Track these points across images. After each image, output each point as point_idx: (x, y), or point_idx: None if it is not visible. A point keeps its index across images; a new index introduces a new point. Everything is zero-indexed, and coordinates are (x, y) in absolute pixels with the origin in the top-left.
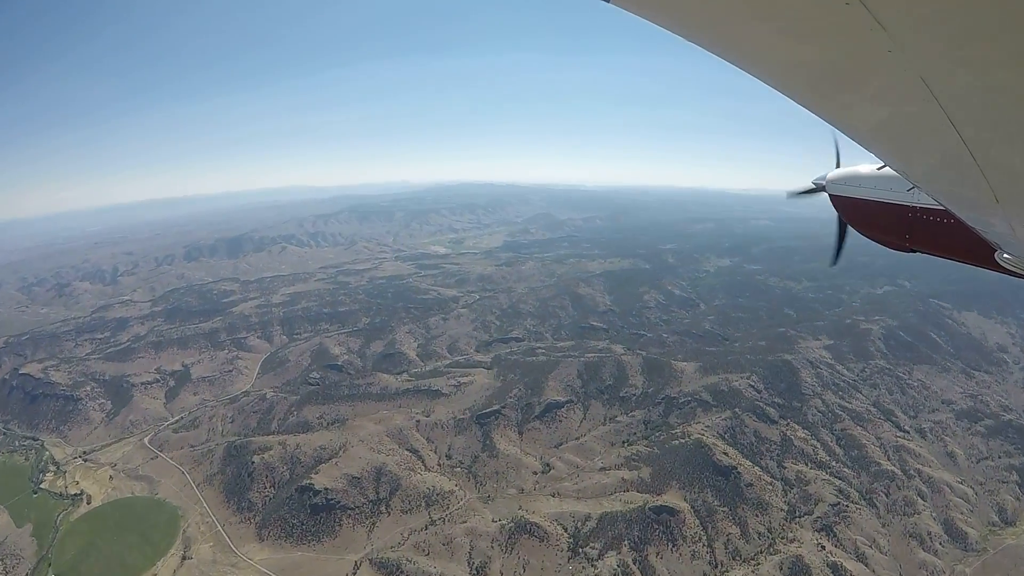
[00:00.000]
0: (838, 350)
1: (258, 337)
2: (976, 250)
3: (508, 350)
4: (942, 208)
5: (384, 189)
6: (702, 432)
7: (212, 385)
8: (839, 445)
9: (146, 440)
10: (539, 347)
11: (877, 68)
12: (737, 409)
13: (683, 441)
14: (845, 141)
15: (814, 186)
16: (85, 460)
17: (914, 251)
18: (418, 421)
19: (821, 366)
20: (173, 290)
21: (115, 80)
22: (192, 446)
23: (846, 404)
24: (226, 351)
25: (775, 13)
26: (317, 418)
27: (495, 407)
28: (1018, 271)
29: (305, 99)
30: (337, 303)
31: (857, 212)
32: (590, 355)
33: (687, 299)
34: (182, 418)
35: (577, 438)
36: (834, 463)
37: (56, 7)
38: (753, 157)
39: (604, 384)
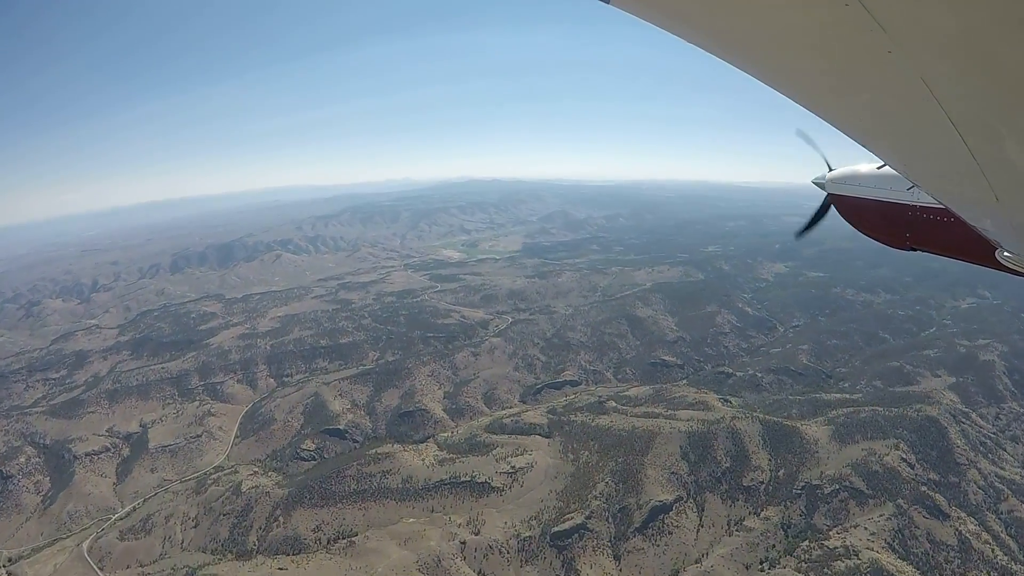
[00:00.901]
0: (965, 390)
1: (237, 381)
2: (976, 248)
3: (565, 400)
4: (942, 207)
5: (386, 188)
6: (868, 542)
7: (174, 457)
8: (1010, 535)
9: (85, 547)
10: (605, 396)
11: (877, 68)
12: (900, 500)
13: (848, 562)
14: (845, 141)
15: (817, 207)
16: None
17: (914, 250)
18: (463, 542)
19: (960, 418)
20: (147, 312)
21: (116, 80)
22: (141, 565)
23: (1001, 471)
24: (196, 402)
25: (774, 14)
26: (312, 531)
27: (575, 519)
28: (1018, 269)
29: (304, 94)
30: (337, 331)
31: (857, 211)
32: (684, 415)
33: (762, 320)
34: (133, 511)
35: (698, 560)
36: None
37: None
38: (750, 150)
39: (719, 467)
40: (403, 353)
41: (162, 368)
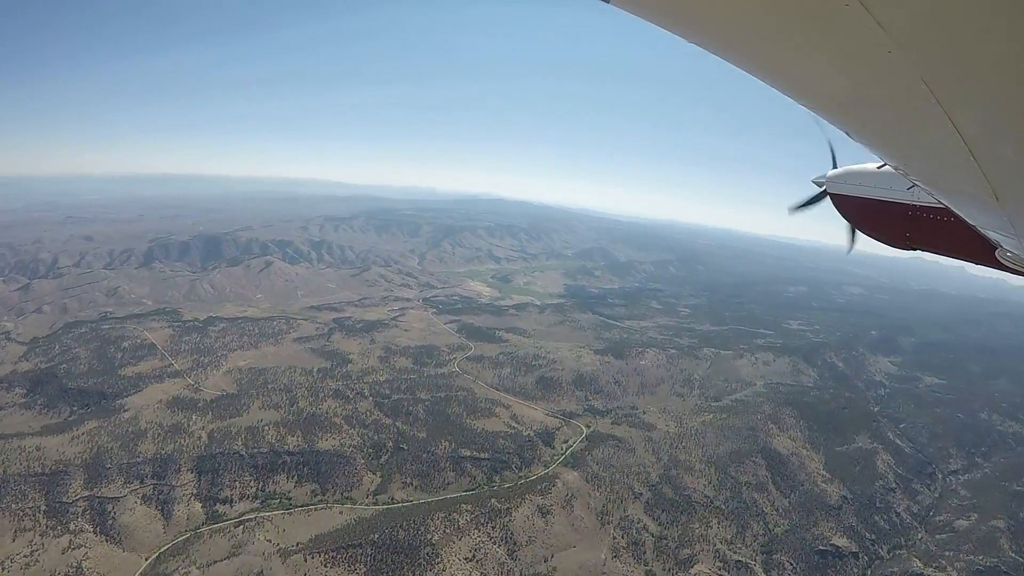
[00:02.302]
0: None
1: (141, 500)
2: (976, 248)
3: None
4: (942, 206)
5: (406, 194)
6: None
7: None
8: None
9: None
10: None
11: (877, 68)
12: None
13: None
14: (845, 141)
15: (816, 190)
16: None
17: (914, 249)
18: None
19: None
20: (77, 324)
21: (151, 43)
22: None
23: None
24: (68, 534)
25: (775, 14)
26: None
27: None
28: (1018, 269)
29: (337, 73)
30: (317, 420)
31: (857, 210)
32: None
33: (920, 462)
34: None
35: None
36: None
37: None
38: (770, 201)
39: None
40: (421, 485)
41: (37, 449)
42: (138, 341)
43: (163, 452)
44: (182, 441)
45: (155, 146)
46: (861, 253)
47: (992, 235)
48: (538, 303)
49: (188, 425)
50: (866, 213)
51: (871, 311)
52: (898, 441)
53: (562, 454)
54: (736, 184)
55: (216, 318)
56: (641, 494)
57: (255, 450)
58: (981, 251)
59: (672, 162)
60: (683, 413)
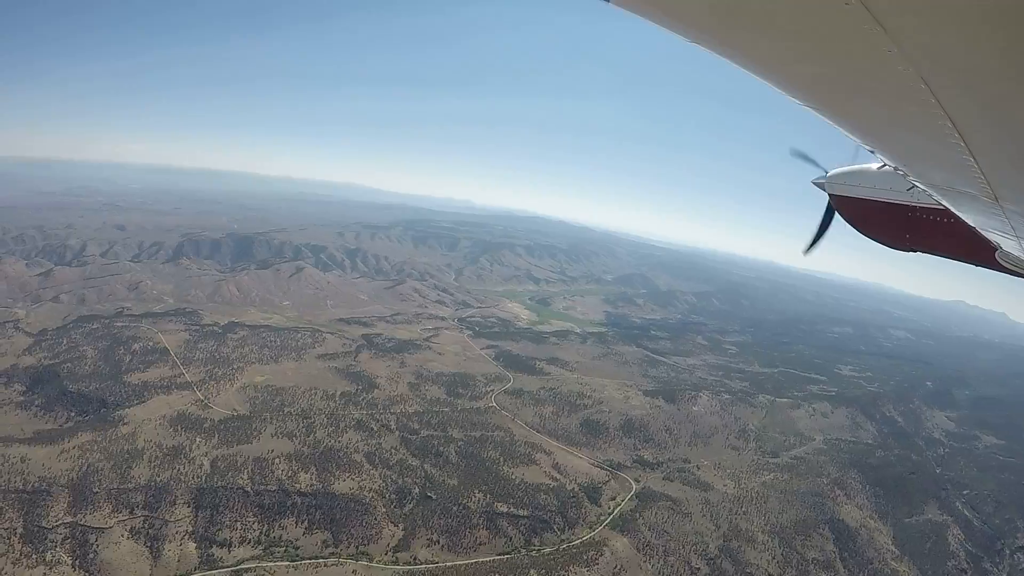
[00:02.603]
0: None
1: (128, 533)
2: (976, 249)
3: None
4: (942, 207)
5: (445, 206)
6: None
7: None
8: None
9: None
10: None
11: (877, 68)
12: None
13: None
14: (845, 141)
15: (821, 215)
16: None
17: (914, 250)
18: None
19: None
20: (89, 319)
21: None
22: None
23: None
24: (43, 565)
25: (775, 14)
26: None
27: None
28: (1018, 270)
29: (383, 82)
30: (335, 456)
31: (857, 211)
32: None
33: (988, 537)
34: None
35: None
36: None
37: None
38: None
39: None
40: (449, 544)
41: (22, 460)
42: (150, 344)
43: (159, 479)
44: (181, 468)
45: (198, 140)
46: (901, 294)
47: (992, 236)
48: (579, 331)
49: (190, 449)
50: (866, 214)
51: (920, 358)
52: (966, 512)
53: (609, 513)
54: (775, 217)
55: (237, 324)
56: (699, 569)
57: (262, 486)
58: (981, 253)
59: (712, 191)
60: (740, 470)
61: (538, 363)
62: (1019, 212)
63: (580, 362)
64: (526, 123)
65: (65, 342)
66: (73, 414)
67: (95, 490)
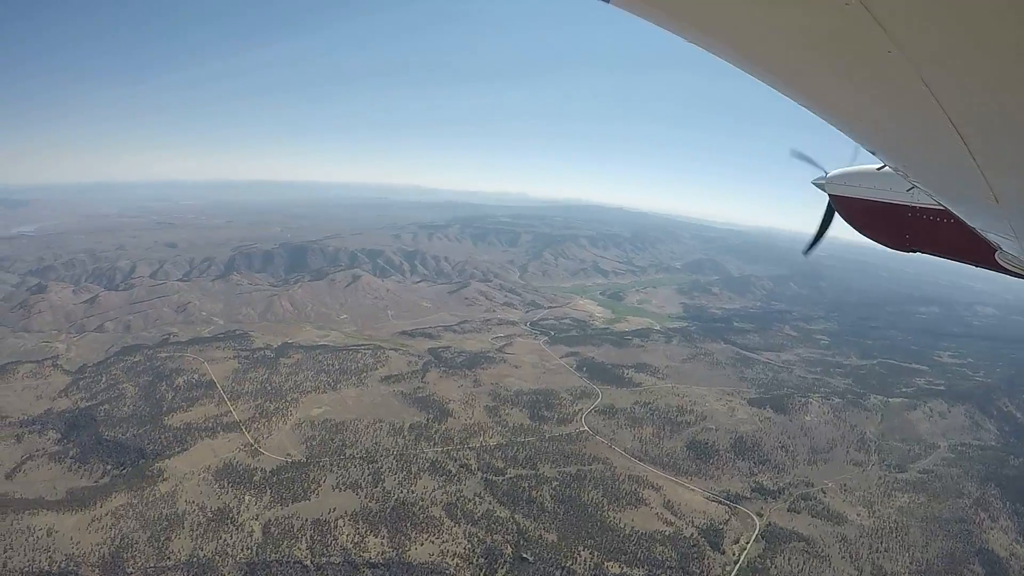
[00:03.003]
0: None
1: None
2: (976, 250)
3: None
4: (942, 208)
5: (499, 200)
6: None
7: None
8: None
9: None
10: None
11: (877, 68)
12: None
13: None
14: (845, 141)
15: (820, 216)
16: None
17: (914, 251)
18: None
19: None
20: (131, 351)
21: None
22: None
23: None
24: None
25: (774, 13)
26: None
27: None
28: (1018, 271)
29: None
30: (410, 515)
31: (857, 212)
32: None
33: None
34: None
35: None
36: None
37: None
38: None
39: None
40: None
41: (48, 534)
42: (195, 376)
43: (202, 553)
44: (228, 537)
45: (252, 152)
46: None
47: (992, 237)
48: (659, 328)
49: (238, 511)
50: (866, 214)
51: (1016, 339)
52: None
53: (735, 562)
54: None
55: (291, 345)
56: None
57: (324, 557)
58: (981, 253)
59: (765, 170)
60: (870, 493)
61: (625, 371)
62: (1019, 213)
63: (670, 367)
64: (574, 112)
65: (104, 379)
66: (109, 467)
67: (129, 570)
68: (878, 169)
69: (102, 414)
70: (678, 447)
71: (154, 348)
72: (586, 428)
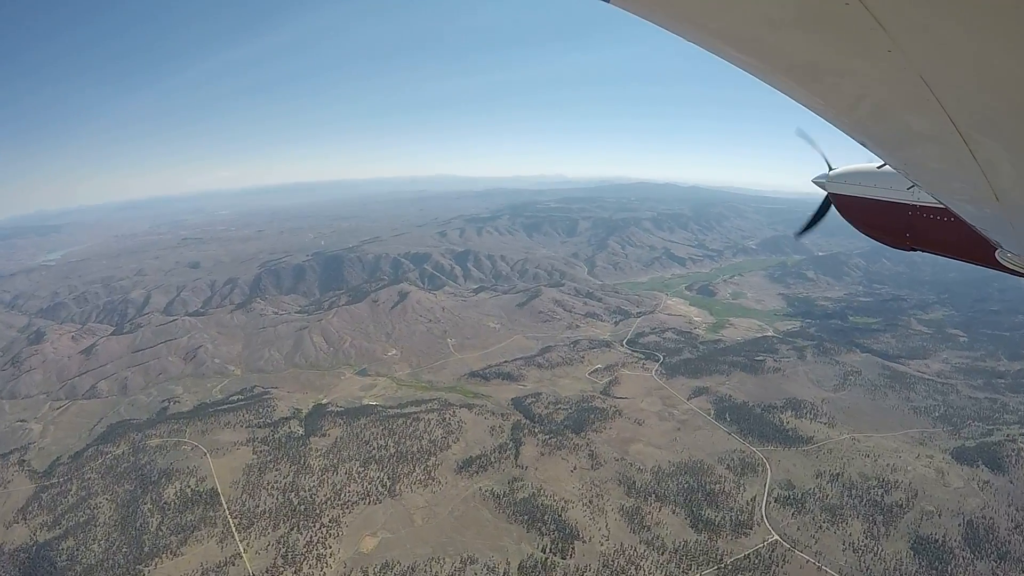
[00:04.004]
0: None
1: None
2: (976, 248)
3: None
4: (942, 206)
5: (541, 184)
6: None
7: None
8: None
9: None
10: None
11: (877, 68)
12: None
13: None
14: (845, 141)
15: (818, 205)
16: None
17: (914, 249)
18: None
19: None
20: (116, 430)
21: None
22: None
23: None
24: None
25: (775, 13)
26: None
27: None
28: (1019, 270)
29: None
30: None
31: (857, 210)
32: None
33: None
34: None
35: None
36: None
37: None
38: None
39: None
40: None
41: None
42: (193, 482)
43: None
44: None
45: (282, 155)
46: None
47: (992, 236)
48: (774, 334)
49: None
50: (867, 213)
51: None
52: None
53: None
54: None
55: (326, 409)
56: None
57: None
58: (981, 252)
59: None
60: None
61: (780, 416)
62: (1020, 211)
63: (828, 402)
64: (607, 84)
65: (75, 489)
66: None
67: None
68: (879, 168)
69: (64, 556)
70: (901, 549)
71: (146, 428)
72: (775, 536)
